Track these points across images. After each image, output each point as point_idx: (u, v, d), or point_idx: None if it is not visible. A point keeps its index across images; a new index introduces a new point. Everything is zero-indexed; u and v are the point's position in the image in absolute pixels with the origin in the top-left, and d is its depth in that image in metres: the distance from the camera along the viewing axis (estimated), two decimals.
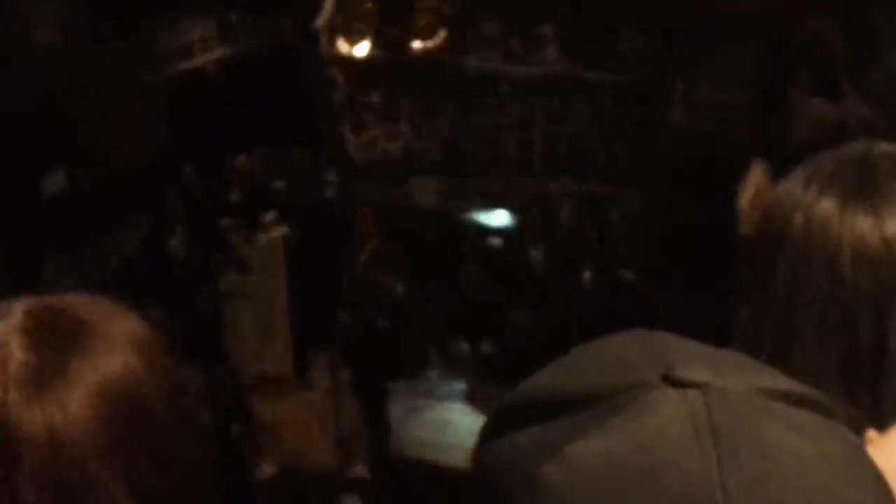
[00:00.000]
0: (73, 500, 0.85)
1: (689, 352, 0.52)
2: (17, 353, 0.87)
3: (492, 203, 6.08)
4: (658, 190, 4.76)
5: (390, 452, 5.16)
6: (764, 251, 1.01)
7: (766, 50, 3.11)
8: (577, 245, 5.44)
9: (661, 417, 0.47)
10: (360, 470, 5.05)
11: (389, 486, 4.85)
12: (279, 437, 5.18)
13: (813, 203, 0.98)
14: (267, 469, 4.90)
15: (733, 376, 0.50)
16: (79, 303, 0.94)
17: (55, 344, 0.89)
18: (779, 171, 1.13)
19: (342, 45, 5.90)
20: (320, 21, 6.12)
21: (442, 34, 5.67)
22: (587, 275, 5.32)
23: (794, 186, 1.01)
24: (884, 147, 1.03)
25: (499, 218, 6.02)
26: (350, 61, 6.13)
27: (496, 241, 5.91)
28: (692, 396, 0.48)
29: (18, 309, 0.91)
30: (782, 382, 0.51)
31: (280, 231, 6.07)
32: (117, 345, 0.90)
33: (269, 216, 6.13)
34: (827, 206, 0.97)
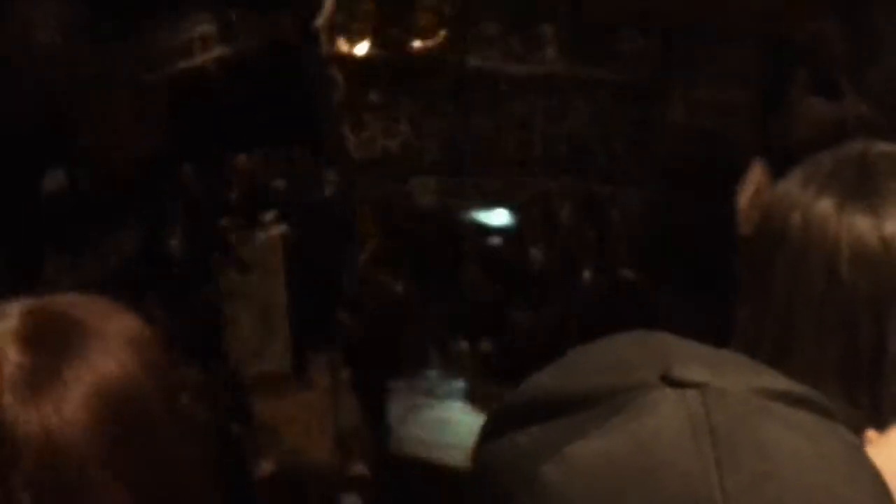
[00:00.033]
0: (71, 501, 0.85)
1: (689, 352, 0.52)
2: (13, 356, 0.87)
3: (491, 202, 6.08)
4: (658, 189, 4.76)
5: (390, 451, 5.17)
6: (762, 251, 1.01)
7: (766, 49, 3.11)
8: (577, 244, 5.44)
9: (659, 418, 0.47)
10: (359, 469, 5.05)
11: (389, 484, 4.86)
12: (279, 435, 5.18)
13: (811, 203, 0.98)
14: (266, 468, 4.90)
15: (732, 376, 0.50)
16: (75, 303, 0.94)
17: (51, 346, 0.89)
18: (778, 170, 1.13)
19: (342, 45, 5.90)
20: (320, 20, 6.12)
21: (442, 33, 5.67)
22: (587, 274, 5.32)
23: (792, 186, 1.01)
24: (882, 147, 1.04)
25: (498, 217, 6.02)
26: (350, 60, 6.13)
27: (496, 240, 5.91)
28: (691, 397, 0.48)
29: (14, 311, 0.91)
30: (781, 382, 0.52)
31: (279, 230, 6.07)
32: (113, 345, 0.90)
33: (269, 215, 6.14)
34: (825, 205, 0.97)
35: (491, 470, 0.50)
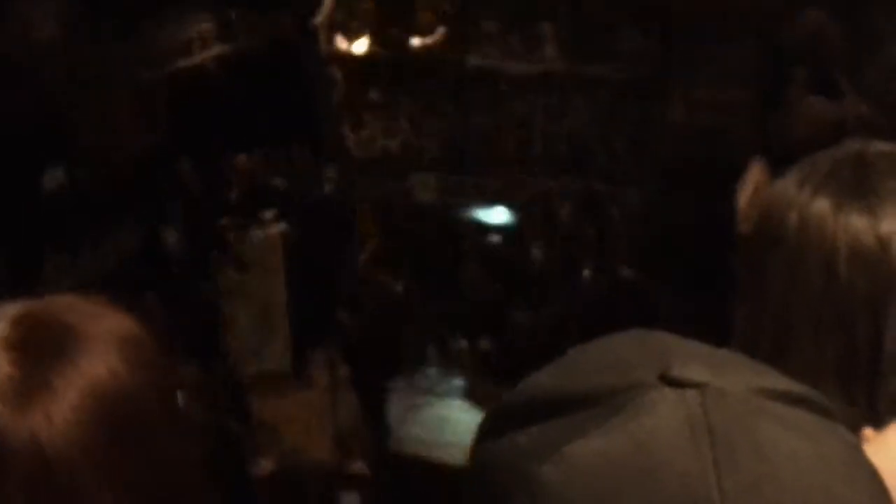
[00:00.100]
0: None
1: (688, 351, 0.52)
2: (3, 365, 0.87)
3: (491, 201, 6.07)
4: (657, 188, 4.76)
5: (389, 450, 5.17)
6: (760, 251, 1.01)
7: (766, 49, 3.11)
8: (577, 243, 5.44)
9: (658, 418, 0.47)
10: (359, 467, 5.05)
11: (388, 483, 4.86)
12: (278, 434, 5.18)
13: (808, 202, 0.98)
14: (266, 466, 4.90)
15: (731, 376, 0.50)
16: (66, 306, 0.93)
17: (41, 353, 0.88)
18: (778, 169, 1.13)
19: (341, 43, 5.90)
20: (319, 18, 6.12)
21: (441, 31, 5.67)
22: (586, 273, 5.32)
23: (789, 186, 1.01)
24: (879, 146, 1.04)
25: (498, 216, 6.02)
26: (349, 59, 6.13)
27: (495, 239, 5.91)
28: (690, 397, 0.48)
29: (4, 316, 0.91)
30: (780, 382, 0.51)
31: (279, 228, 6.07)
32: (104, 349, 0.89)
33: (268, 214, 6.14)
34: (822, 205, 0.97)
35: (490, 469, 0.50)
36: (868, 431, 0.87)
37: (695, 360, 0.50)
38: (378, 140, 6.39)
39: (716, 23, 3.84)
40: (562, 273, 5.49)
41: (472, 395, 5.15)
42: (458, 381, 5.56)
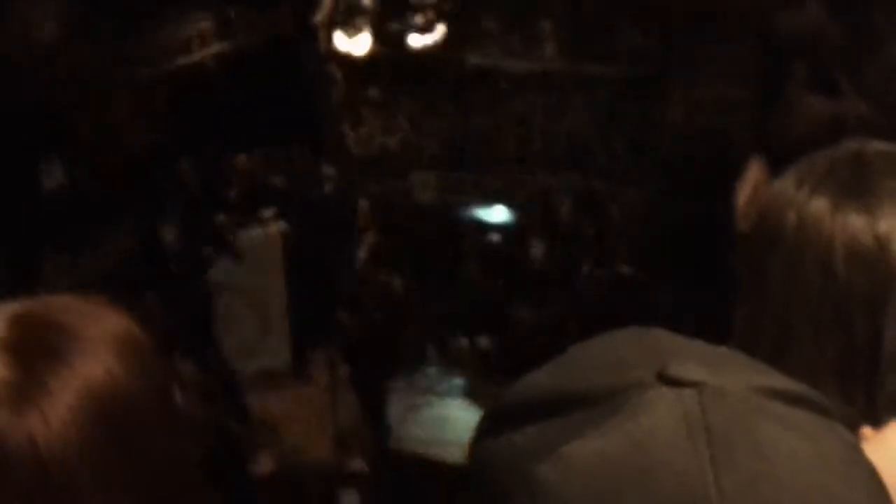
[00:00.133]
0: None
1: (686, 350, 0.52)
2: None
3: (491, 199, 6.07)
4: (657, 187, 4.76)
5: (389, 448, 5.17)
6: (759, 250, 1.02)
7: (765, 47, 3.11)
8: (577, 242, 5.45)
9: (655, 417, 0.47)
10: (358, 465, 5.05)
11: (388, 481, 4.86)
12: (278, 433, 5.18)
13: (806, 202, 0.98)
14: (265, 465, 4.90)
15: (730, 375, 0.50)
16: (62, 307, 0.93)
17: (37, 355, 0.88)
18: (777, 168, 1.13)
19: (341, 41, 5.90)
20: (319, 16, 6.12)
21: (441, 30, 5.66)
22: (586, 271, 5.32)
23: (786, 185, 1.01)
24: (876, 146, 1.04)
25: (498, 214, 6.02)
26: (348, 57, 6.13)
27: (495, 238, 5.91)
28: (687, 395, 0.48)
29: (0, 317, 0.90)
30: (779, 381, 0.51)
31: (279, 227, 6.07)
32: (100, 349, 0.89)
33: (268, 212, 6.14)
34: (820, 205, 0.97)
35: (488, 469, 0.50)
36: (867, 430, 0.87)
37: (693, 358, 0.50)
38: (377, 138, 6.39)
39: (716, 22, 3.84)
40: (562, 272, 5.50)
41: (472, 394, 5.15)
42: (458, 380, 5.56)
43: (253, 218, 6.11)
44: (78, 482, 0.84)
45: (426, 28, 5.61)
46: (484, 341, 5.65)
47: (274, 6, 6.02)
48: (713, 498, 0.45)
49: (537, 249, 5.57)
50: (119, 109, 5.27)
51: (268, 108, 5.88)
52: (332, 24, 5.96)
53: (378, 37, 5.96)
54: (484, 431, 0.53)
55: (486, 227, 6.00)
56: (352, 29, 5.76)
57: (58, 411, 0.85)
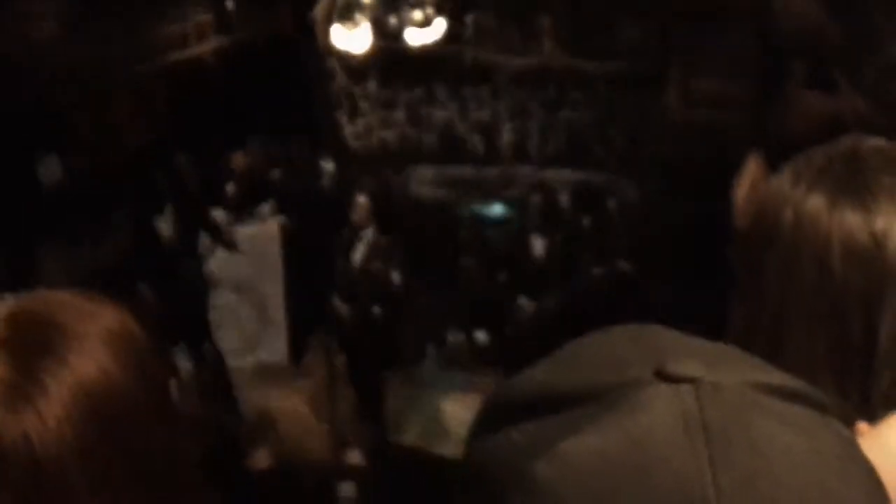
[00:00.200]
0: None
1: (683, 347, 0.52)
2: None
3: (489, 194, 6.07)
4: (655, 181, 4.76)
5: (387, 442, 5.17)
6: (755, 247, 1.02)
7: (764, 44, 3.11)
8: (575, 235, 5.44)
9: (653, 415, 0.47)
10: (355, 457, 5.05)
11: (385, 475, 4.86)
12: (275, 425, 5.18)
13: (802, 199, 0.98)
14: (263, 459, 4.90)
15: (726, 371, 0.50)
16: (57, 303, 0.93)
17: (32, 353, 0.88)
18: (775, 163, 1.13)
19: (339, 35, 5.89)
20: (317, 11, 6.10)
21: (439, 25, 5.66)
22: (584, 265, 5.32)
23: (783, 183, 1.01)
24: (873, 142, 1.04)
25: (496, 208, 6.00)
26: (347, 51, 6.11)
27: (493, 231, 5.90)
28: (684, 392, 0.48)
29: None
30: (776, 377, 0.52)
31: (277, 221, 6.06)
32: (94, 346, 0.89)
33: (266, 206, 6.13)
34: (816, 202, 0.97)
35: (485, 466, 0.50)
36: (862, 426, 0.88)
37: (690, 355, 0.50)
38: (376, 132, 6.37)
39: (715, 20, 3.84)
40: (559, 265, 5.49)
41: (470, 388, 5.15)
42: (456, 373, 5.56)
43: (251, 212, 6.10)
44: (73, 480, 0.84)
45: (425, 23, 5.60)
46: (481, 336, 5.64)
47: (272, 1, 6.01)
48: (711, 496, 0.45)
49: (535, 244, 5.57)
50: (117, 105, 5.26)
51: (266, 102, 5.87)
52: (330, 20, 5.96)
53: (377, 32, 5.95)
54: (481, 427, 0.53)
55: (483, 221, 5.99)
56: (350, 24, 5.75)
57: (53, 409, 0.84)
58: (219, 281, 5.82)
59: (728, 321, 1.05)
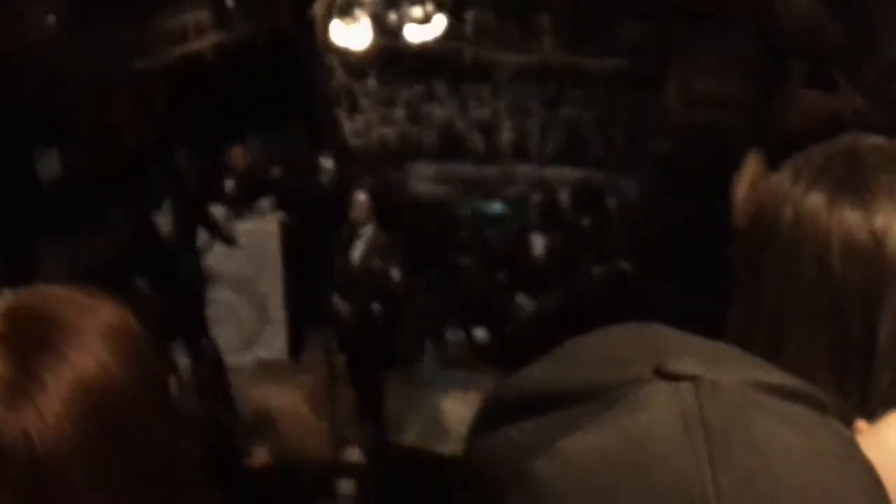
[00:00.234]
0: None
1: (683, 345, 0.52)
2: None
3: (488, 191, 6.07)
4: (654, 179, 4.76)
5: (385, 439, 5.17)
6: (755, 246, 1.02)
7: (764, 43, 3.11)
8: (575, 234, 5.44)
9: (652, 413, 0.47)
10: (354, 455, 5.06)
11: (384, 472, 4.86)
12: (274, 423, 5.18)
13: (802, 197, 0.98)
14: (261, 456, 4.90)
15: (726, 369, 0.50)
16: (55, 298, 0.92)
17: (31, 349, 0.87)
18: (774, 161, 1.13)
19: (339, 32, 5.88)
20: (317, 7, 6.09)
21: (439, 22, 5.65)
22: (584, 263, 5.32)
23: (783, 181, 1.01)
24: (872, 140, 1.04)
25: (495, 206, 6.00)
26: (346, 48, 6.11)
27: (493, 230, 5.90)
28: (684, 390, 0.48)
29: None
30: (775, 376, 0.51)
31: (276, 217, 6.06)
32: (94, 343, 0.89)
33: (265, 202, 6.12)
34: (815, 200, 0.97)
35: (484, 464, 0.50)
36: (861, 424, 0.88)
37: (690, 353, 0.50)
38: (374, 128, 6.38)
39: (714, 18, 3.84)
40: (560, 262, 5.49)
41: (469, 386, 5.15)
42: (455, 372, 5.56)
43: (250, 209, 6.10)
44: (73, 476, 0.84)
45: (424, 20, 5.60)
46: (481, 334, 5.64)
47: None
48: (711, 495, 0.45)
49: (535, 243, 5.57)
50: (116, 101, 5.26)
51: (265, 99, 5.86)
52: (330, 16, 5.95)
53: (376, 29, 5.94)
54: (480, 426, 0.53)
55: (483, 219, 5.99)
56: (350, 21, 5.75)
57: (53, 405, 0.84)
58: (217, 277, 5.82)
59: (727, 320, 1.05)
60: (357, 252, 5.55)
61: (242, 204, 6.06)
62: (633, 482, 0.45)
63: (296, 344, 5.90)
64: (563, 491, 0.46)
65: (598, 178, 5.40)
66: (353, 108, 6.30)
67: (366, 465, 4.94)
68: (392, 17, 5.84)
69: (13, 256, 4.15)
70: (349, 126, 6.34)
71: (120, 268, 4.78)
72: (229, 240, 5.83)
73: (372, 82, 6.17)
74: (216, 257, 5.87)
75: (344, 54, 6.00)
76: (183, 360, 5.04)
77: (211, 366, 5.26)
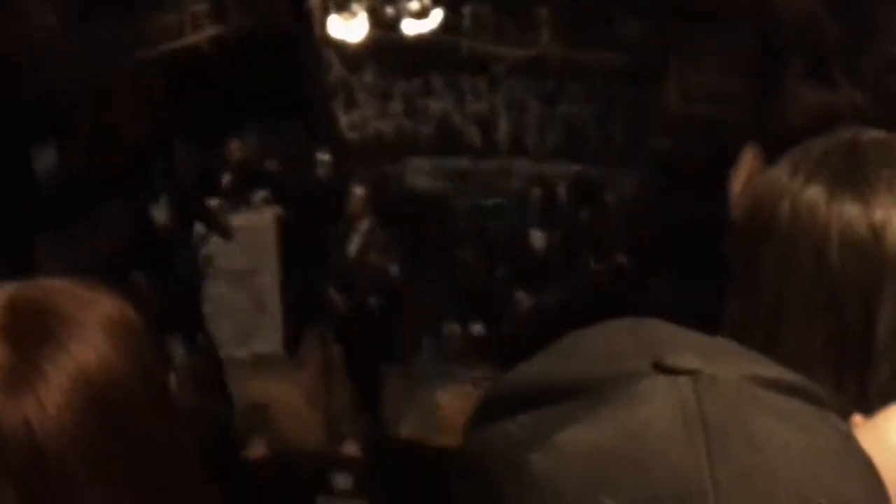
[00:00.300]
0: (55, 497, 0.84)
1: (681, 340, 0.52)
2: None
3: (486, 185, 6.06)
4: (652, 174, 4.76)
5: (382, 433, 5.17)
6: (752, 239, 1.01)
7: (761, 34, 3.11)
8: (572, 229, 5.44)
9: (650, 408, 0.47)
10: (351, 448, 5.06)
11: (381, 465, 4.87)
12: (271, 416, 5.19)
13: (800, 191, 0.98)
14: (258, 449, 4.90)
15: (724, 364, 0.50)
16: (55, 290, 0.92)
17: (31, 338, 0.87)
18: (772, 155, 1.13)
19: (336, 25, 5.87)
20: (314, 0, 6.08)
21: (436, 16, 5.64)
22: (582, 258, 5.32)
23: (781, 174, 1.01)
24: (872, 134, 1.03)
25: (493, 200, 6.00)
26: (343, 41, 6.10)
27: (490, 224, 5.90)
28: (682, 384, 0.48)
29: None
30: (773, 370, 0.51)
31: (273, 211, 6.06)
32: (94, 334, 0.89)
33: (261, 195, 6.12)
34: (814, 193, 0.97)
35: (481, 457, 0.50)
36: (857, 418, 0.88)
37: (687, 348, 0.50)
38: (371, 122, 6.37)
39: (712, 9, 3.83)
40: (557, 259, 5.49)
41: (466, 380, 5.16)
42: (452, 365, 5.56)
43: (247, 202, 6.10)
44: (73, 468, 0.84)
45: (421, 14, 5.59)
46: (478, 328, 5.64)
47: None
48: (709, 490, 0.45)
49: (533, 238, 5.57)
50: (113, 94, 5.25)
51: (262, 92, 5.85)
52: (327, 9, 5.94)
53: (373, 22, 5.93)
54: (477, 419, 0.53)
55: (480, 213, 5.99)
56: (347, 14, 5.74)
57: (53, 395, 0.84)
58: (214, 271, 5.82)
59: (725, 315, 1.04)
60: (354, 246, 5.55)
61: (239, 197, 6.06)
62: (631, 476, 0.45)
63: (292, 338, 5.90)
64: (559, 485, 0.46)
65: (596, 173, 5.40)
66: (350, 102, 6.29)
67: (363, 458, 4.95)
68: (389, 10, 5.83)
69: (12, 252, 4.14)
70: (346, 119, 6.34)
71: (116, 261, 4.78)
72: (226, 233, 5.83)
73: (369, 76, 6.16)
74: (212, 251, 5.86)
75: (341, 47, 5.99)
76: (180, 354, 5.04)
77: (208, 359, 5.26)
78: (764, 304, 0.99)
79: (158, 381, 0.94)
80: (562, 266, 5.29)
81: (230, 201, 6.04)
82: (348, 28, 5.76)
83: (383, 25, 5.85)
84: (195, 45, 5.71)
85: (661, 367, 0.49)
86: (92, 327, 0.89)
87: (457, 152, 6.01)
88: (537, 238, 5.47)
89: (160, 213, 5.65)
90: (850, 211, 0.96)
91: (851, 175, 0.98)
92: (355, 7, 5.74)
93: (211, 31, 5.79)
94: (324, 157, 6.16)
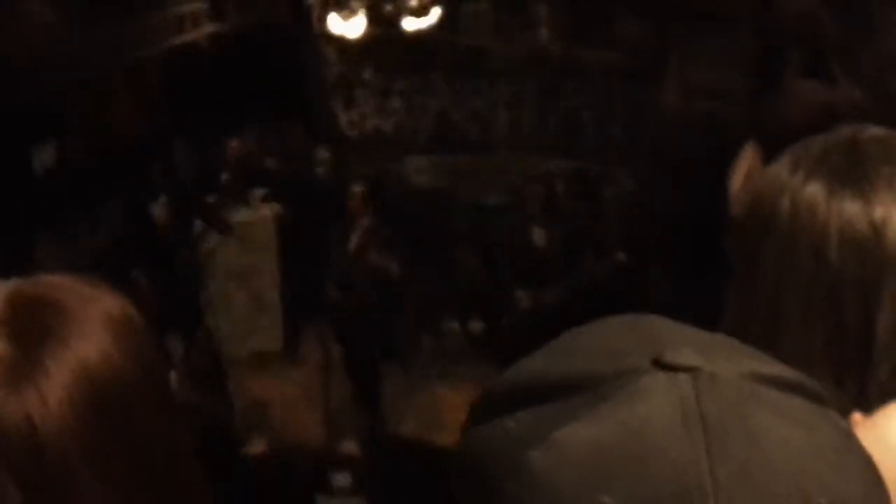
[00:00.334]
0: (57, 490, 0.84)
1: (680, 336, 0.52)
2: None
3: (485, 182, 6.06)
4: (651, 171, 4.76)
5: (381, 431, 5.17)
6: (751, 236, 1.01)
7: (760, 31, 3.11)
8: (571, 226, 5.44)
9: (650, 405, 0.47)
10: (350, 447, 5.06)
11: (380, 463, 4.87)
12: (269, 414, 5.19)
13: (800, 188, 0.98)
14: (257, 446, 4.90)
15: (724, 361, 0.50)
16: (56, 286, 0.93)
17: (33, 333, 0.87)
18: (771, 153, 1.13)
19: (335, 22, 5.87)
20: None
21: (435, 12, 5.64)
22: (581, 254, 5.32)
23: (780, 171, 1.01)
24: (872, 131, 1.03)
25: (492, 197, 5.99)
26: (342, 38, 6.10)
27: (489, 220, 5.90)
28: (682, 381, 0.48)
29: None
30: (773, 367, 0.51)
31: (272, 208, 6.06)
32: (95, 330, 0.89)
33: (260, 193, 6.12)
34: (814, 190, 0.97)
35: (479, 455, 0.50)
36: (857, 416, 0.88)
37: (687, 345, 0.50)
38: (370, 119, 6.36)
39: (711, 6, 3.83)
40: (556, 254, 5.49)
41: (465, 377, 5.15)
42: (451, 364, 5.56)
43: (246, 199, 6.09)
44: (74, 464, 0.84)
45: (420, 11, 5.59)
46: (477, 325, 5.64)
47: None
48: (708, 487, 0.45)
49: (531, 234, 5.57)
50: (112, 91, 5.24)
51: (261, 89, 5.85)
52: (326, 5, 5.93)
53: (372, 19, 5.93)
54: (476, 416, 0.53)
55: (479, 210, 5.98)
56: (346, 11, 5.73)
57: (55, 390, 0.84)
58: (213, 268, 5.82)
59: (725, 312, 1.04)
60: (353, 244, 5.54)
61: (238, 195, 6.06)
62: (631, 473, 0.45)
63: (292, 336, 5.90)
64: (558, 482, 0.46)
65: (595, 169, 5.40)
66: (349, 99, 6.29)
67: (362, 456, 4.95)
68: (388, 7, 5.83)
69: (11, 251, 4.14)
70: (345, 117, 6.34)
71: (117, 260, 4.78)
72: (225, 231, 5.83)
73: (368, 73, 6.16)
74: (211, 248, 5.86)
75: (340, 45, 5.99)
76: (179, 352, 5.04)
77: (207, 357, 5.26)
78: (763, 301, 0.99)
79: (159, 378, 0.94)
80: (562, 262, 5.29)
81: (230, 199, 6.04)
82: (347, 25, 5.75)
83: (382, 23, 5.84)
84: (194, 43, 5.71)
85: (660, 364, 0.49)
86: (93, 323, 0.89)
87: (456, 149, 6.01)
88: (537, 235, 5.47)
89: (160, 212, 5.65)
90: (850, 208, 0.96)
91: (851, 172, 0.98)
92: (354, 4, 5.73)
93: (210, 29, 5.79)
94: (323, 154, 6.15)
